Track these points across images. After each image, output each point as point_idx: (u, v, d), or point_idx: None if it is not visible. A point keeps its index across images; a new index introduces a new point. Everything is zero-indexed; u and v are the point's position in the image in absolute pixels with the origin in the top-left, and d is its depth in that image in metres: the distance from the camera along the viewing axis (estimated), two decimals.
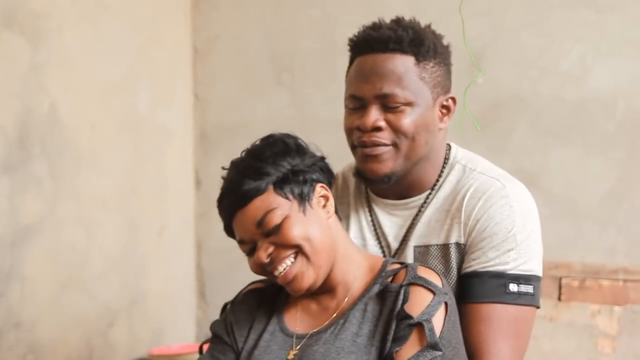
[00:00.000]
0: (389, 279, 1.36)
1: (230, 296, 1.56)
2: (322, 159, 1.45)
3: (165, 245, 3.05)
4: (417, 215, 1.51)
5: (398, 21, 1.51)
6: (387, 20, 1.53)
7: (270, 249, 1.33)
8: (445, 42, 1.54)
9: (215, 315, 1.57)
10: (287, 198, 1.35)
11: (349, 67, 1.53)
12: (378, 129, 1.43)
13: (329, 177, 1.44)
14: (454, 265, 1.45)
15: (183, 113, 3.21)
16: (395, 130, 1.43)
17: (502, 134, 2.73)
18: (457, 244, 1.45)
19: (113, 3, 2.75)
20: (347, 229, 1.56)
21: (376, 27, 1.50)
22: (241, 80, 3.18)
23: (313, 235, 1.34)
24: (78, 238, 2.55)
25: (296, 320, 1.40)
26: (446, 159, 1.54)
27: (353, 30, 3.03)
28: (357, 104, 1.47)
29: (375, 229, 1.56)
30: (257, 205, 1.34)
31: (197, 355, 1.82)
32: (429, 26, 1.53)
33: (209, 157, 3.24)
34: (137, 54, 2.89)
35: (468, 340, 1.36)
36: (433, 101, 1.46)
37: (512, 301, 1.39)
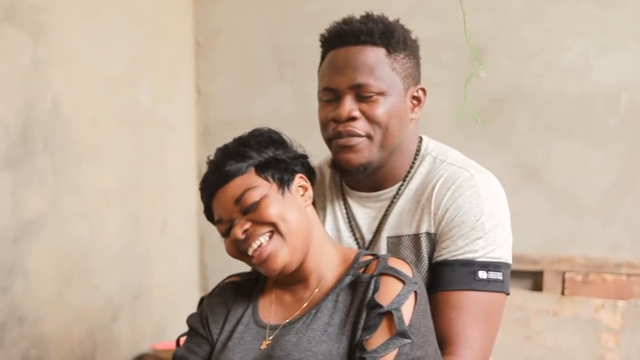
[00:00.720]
0: (361, 270, 1.39)
1: None
2: (305, 156, 1.50)
3: (168, 240, 3.05)
4: (389, 206, 1.55)
5: (368, 16, 1.55)
6: (357, 17, 1.57)
7: (247, 226, 1.37)
8: (413, 36, 1.58)
9: None
10: (267, 180, 1.40)
11: (321, 62, 1.57)
12: (353, 118, 1.47)
13: (309, 174, 1.49)
14: (425, 255, 1.48)
15: (185, 108, 3.21)
16: (370, 119, 1.47)
17: (505, 128, 2.73)
18: (428, 234, 1.49)
19: None
20: (323, 221, 1.59)
21: (347, 21, 1.54)
22: (243, 74, 3.18)
23: (289, 217, 1.38)
24: (81, 233, 2.55)
25: (270, 312, 1.44)
26: (417, 150, 1.58)
27: None
28: (331, 96, 1.51)
29: (349, 221, 1.59)
30: (238, 184, 1.39)
31: None
32: (397, 21, 1.57)
33: (211, 151, 3.23)
34: (139, 48, 2.88)
35: (439, 327, 1.39)
36: (404, 91, 1.51)
37: (481, 288, 1.42)
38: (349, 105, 1.47)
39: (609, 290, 2.58)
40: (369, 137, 1.48)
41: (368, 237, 1.57)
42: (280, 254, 1.37)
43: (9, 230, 2.25)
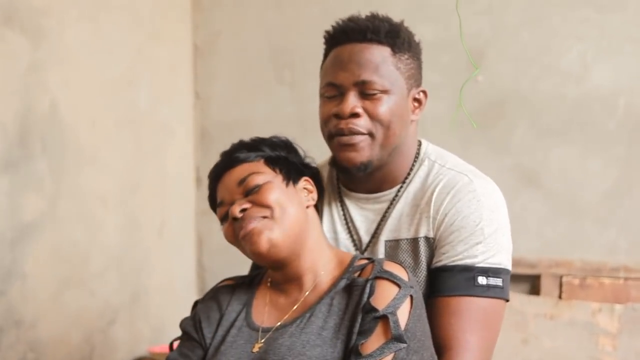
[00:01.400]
0: (356, 274, 1.38)
1: None
2: (316, 169, 1.53)
3: (166, 243, 3.05)
4: (388, 209, 1.54)
5: (374, 15, 1.56)
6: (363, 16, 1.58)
7: (245, 205, 1.39)
8: (416, 39, 1.58)
9: None
10: (274, 171, 1.44)
11: (323, 60, 1.56)
12: (356, 115, 1.47)
13: (317, 185, 1.51)
14: (423, 259, 1.48)
15: (184, 110, 3.21)
16: (372, 117, 1.47)
17: (503, 132, 2.73)
18: (426, 238, 1.48)
19: (113, 1, 2.75)
20: (320, 222, 1.57)
21: (353, 19, 1.55)
22: (242, 77, 3.18)
23: (288, 206, 1.39)
24: (79, 236, 2.55)
25: (263, 315, 1.43)
26: (417, 154, 1.57)
27: None
28: (334, 92, 1.50)
29: (347, 223, 1.59)
30: (245, 168, 1.44)
31: None
32: (402, 22, 1.58)
33: (210, 154, 3.24)
34: (138, 51, 2.88)
35: (438, 333, 1.38)
36: (407, 92, 1.51)
37: (480, 294, 1.41)
38: (352, 102, 1.47)
39: (606, 294, 2.58)
40: (370, 135, 1.47)
41: (366, 239, 1.56)
42: (269, 234, 1.36)
43: (7, 232, 2.25)
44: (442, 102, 2.78)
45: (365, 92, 1.47)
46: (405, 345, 1.26)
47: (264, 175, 1.42)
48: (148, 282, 2.93)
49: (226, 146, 3.37)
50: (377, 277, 1.33)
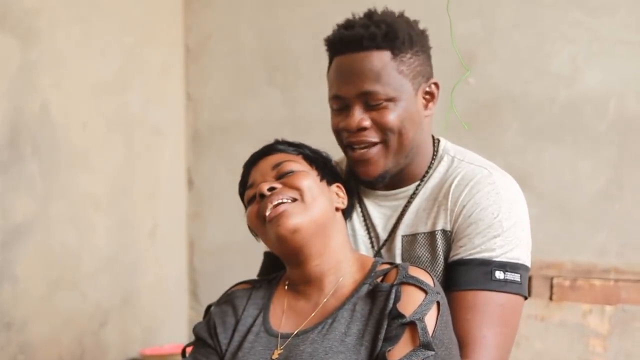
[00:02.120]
0: (379, 279, 1.35)
1: None
2: (351, 187, 1.53)
3: (157, 245, 3.04)
4: (406, 205, 1.52)
5: (370, 16, 1.50)
6: (361, 14, 1.53)
7: (275, 184, 1.37)
8: (421, 27, 1.55)
9: None
10: (310, 166, 1.44)
11: (329, 66, 1.54)
12: (363, 129, 1.45)
13: (349, 197, 1.49)
14: (440, 253, 1.45)
15: (175, 113, 3.21)
16: (381, 127, 1.44)
17: (494, 134, 2.74)
18: (444, 231, 1.46)
19: (105, 2, 2.74)
20: (346, 228, 1.54)
21: (349, 25, 1.49)
22: (233, 79, 3.17)
23: (318, 196, 1.38)
24: (69, 238, 2.55)
25: (281, 320, 1.39)
26: (435, 151, 1.55)
27: None
28: (340, 104, 1.48)
29: (365, 220, 1.56)
30: (281, 156, 1.44)
31: None
32: (402, 15, 1.53)
33: (201, 156, 3.24)
34: (129, 53, 2.88)
35: (454, 328, 1.35)
36: (415, 92, 1.47)
37: (498, 289, 1.38)
38: (358, 115, 1.44)
39: (597, 295, 2.59)
40: (383, 142, 1.45)
41: (383, 236, 1.54)
42: (296, 216, 1.33)
43: None
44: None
45: (370, 103, 1.44)
46: (433, 352, 1.23)
47: (299, 165, 1.42)
48: (139, 284, 2.93)
49: (218, 148, 3.39)
50: (402, 283, 1.30)
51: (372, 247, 1.54)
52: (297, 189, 1.36)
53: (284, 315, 1.39)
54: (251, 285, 1.49)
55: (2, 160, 2.26)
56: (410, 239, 1.49)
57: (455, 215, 1.45)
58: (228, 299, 1.47)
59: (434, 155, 1.55)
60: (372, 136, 1.45)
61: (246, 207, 1.44)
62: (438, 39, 2.78)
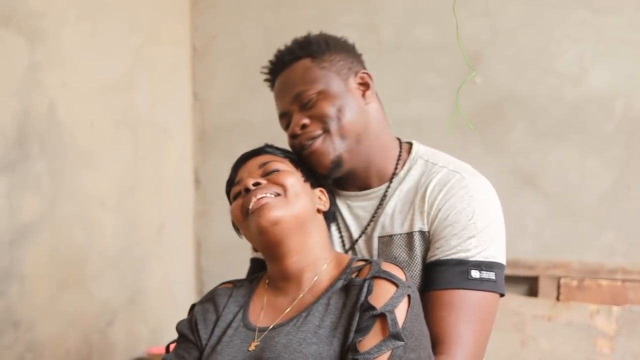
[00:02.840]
0: (354, 274, 1.39)
1: None
2: (334, 191, 1.61)
3: (164, 245, 3.05)
4: (379, 206, 1.57)
5: (293, 40, 1.63)
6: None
7: (260, 180, 1.44)
8: (338, 35, 1.65)
9: None
10: (296, 168, 1.51)
11: None
12: (304, 126, 1.53)
13: (331, 202, 1.56)
14: (418, 254, 1.49)
15: (182, 112, 3.21)
16: (319, 118, 1.53)
17: (500, 134, 2.74)
18: (421, 232, 1.50)
19: (111, 3, 2.75)
20: (327, 230, 1.58)
21: (275, 55, 1.64)
22: (240, 79, 3.18)
23: (301, 194, 1.44)
24: (77, 237, 2.55)
25: (260, 315, 1.44)
26: (401, 152, 1.61)
27: (351, 30, 3.03)
28: (285, 121, 1.59)
29: (336, 220, 1.61)
30: (269, 157, 1.51)
31: None
32: (319, 32, 1.66)
33: (208, 156, 3.24)
34: (136, 53, 2.89)
35: (431, 326, 1.39)
36: (344, 82, 1.56)
37: (474, 287, 1.43)
38: (297, 118, 1.54)
39: (604, 295, 2.58)
40: (325, 131, 1.53)
41: (356, 236, 1.59)
42: (278, 209, 1.39)
43: (5, 234, 2.25)
44: (440, 104, 2.79)
45: (304, 102, 1.54)
46: (402, 343, 1.27)
47: (286, 166, 1.49)
48: (146, 283, 2.93)
49: (225, 148, 3.39)
50: (374, 277, 1.34)
51: (344, 246, 1.60)
52: (281, 185, 1.43)
53: (263, 310, 1.45)
54: (233, 284, 1.55)
55: (10, 160, 2.27)
56: (387, 240, 1.54)
57: (432, 217, 1.49)
58: (210, 297, 1.53)
59: (400, 155, 1.60)
60: (315, 130, 1.53)
61: (231, 204, 1.51)
62: (445, 40, 2.81)
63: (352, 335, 1.30)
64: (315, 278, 1.42)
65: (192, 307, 1.55)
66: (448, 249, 1.45)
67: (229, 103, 3.22)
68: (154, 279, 2.98)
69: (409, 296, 1.32)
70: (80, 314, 2.57)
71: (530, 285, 2.69)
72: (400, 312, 1.30)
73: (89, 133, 2.61)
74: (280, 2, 3.12)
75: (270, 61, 1.64)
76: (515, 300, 2.62)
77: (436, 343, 1.39)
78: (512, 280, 2.62)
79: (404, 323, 1.29)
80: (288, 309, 1.41)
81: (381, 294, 1.32)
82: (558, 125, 2.68)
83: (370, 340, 1.28)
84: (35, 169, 2.36)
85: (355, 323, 1.31)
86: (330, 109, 1.52)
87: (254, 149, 1.56)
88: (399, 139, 1.65)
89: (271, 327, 1.39)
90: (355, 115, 1.55)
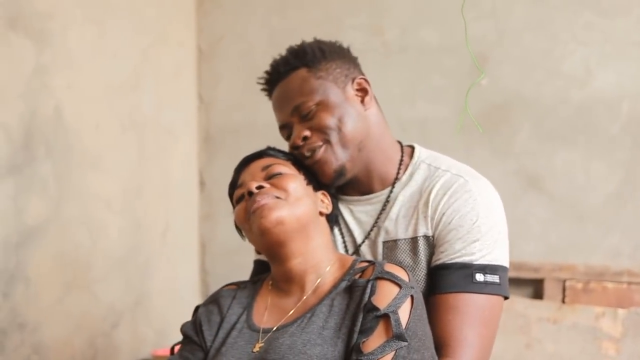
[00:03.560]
0: (357, 276, 1.40)
1: None
2: (335, 198, 1.61)
3: (169, 247, 3.05)
4: (382, 211, 1.57)
5: (288, 49, 1.64)
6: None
7: (264, 184, 1.45)
8: (334, 40, 1.65)
9: None
10: (298, 171, 1.52)
11: None
12: (305, 138, 1.54)
13: (333, 204, 1.56)
14: (422, 258, 1.50)
15: (187, 114, 3.22)
16: (320, 129, 1.53)
17: (506, 136, 2.73)
18: (426, 237, 1.51)
19: (118, 4, 2.76)
20: (330, 232, 1.59)
21: (270, 64, 1.64)
22: (246, 81, 3.17)
23: (303, 198, 1.45)
24: (82, 239, 2.56)
25: (263, 317, 1.45)
26: (403, 156, 1.61)
27: (357, 31, 3.04)
28: (286, 132, 1.60)
29: (339, 226, 1.62)
30: (271, 160, 1.52)
31: None
32: (314, 40, 1.65)
33: (213, 158, 3.25)
34: (142, 55, 2.89)
35: (436, 330, 1.40)
36: (341, 91, 1.56)
37: (478, 290, 1.44)
38: (298, 130, 1.55)
39: (610, 298, 2.58)
40: (327, 142, 1.53)
41: (359, 240, 1.59)
42: (279, 211, 1.40)
43: (11, 236, 2.25)
44: (446, 106, 2.79)
45: (303, 114, 1.54)
46: (406, 343, 1.27)
47: (288, 169, 1.50)
48: (151, 285, 2.94)
49: (230, 150, 3.38)
50: (378, 278, 1.35)
51: (347, 250, 1.61)
52: (284, 189, 1.44)
53: (267, 312, 1.45)
54: (237, 286, 1.56)
55: (16, 162, 2.27)
56: (391, 245, 1.54)
57: (436, 222, 1.50)
58: (214, 299, 1.54)
59: (401, 159, 1.60)
60: (316, 141, 1.54)
61: (234, 207, 1.52)
62: (451, 42, 2.80)
63: (356, 336, 1.31)
64: (319, 280, 1.43)
65: (196, 308, 1.56)
66: (452, 253, 1.46)
67: (235, 105, 3.22)
68: (159, 280, 2.98)
69: (412, 297, 1.33)
70: (85, 316, 2.57)
71: (536, 288, 2.68)
72: (404, 313, 1.31)
73: (95, 135, 2.62)
74: (286, 4, 3.13)
75: (267, 72, 1.64)
76: (520, 302, 2.62)
77: (441, 346, 1.39)
78: (517, 282, 2.62)
79: (407, 323, 1.30)
80: (292, 311, 1.42)
81: (384, 295, 1.32)
82: (564, 127, 2.68)
83: (374, 341, 1.28)
84: (41, 171, 2.37)
85: (359, 324, 1.32)
86: (330, 120, 1.53)
87: (256, 152, 1.57)
88: (399, 142, 1.65)
89: (275, 328, 1.40)
90: (356, 123, 1.55)
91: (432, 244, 1.50)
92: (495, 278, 1.45)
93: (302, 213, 1.42)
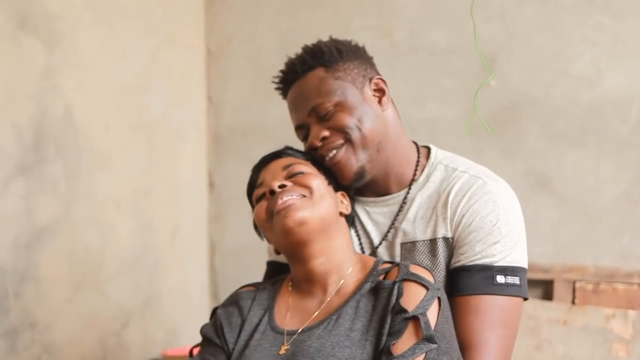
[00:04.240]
0: (381, 277, 1.40)
1: None
2: (354, 198, 1.60)
3: (178, 247, 3.06)
4: (399, 212, 1.56)
5: (303, 48, 1.62)
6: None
7: (286, 183, 1.44)
8: (349, 39, 1.63)
9: None
10: (319, 171, 1.51)
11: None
12: (325, 138, 1.52)
13: (351, 205, 1.55)
14: (441, 260, 1.50)
15: (196, 115, 3.22)
16: (339, 130, 1.52)
17: (516, 137, 2.73)
18: (445, 239, 1.50)
19: (127, 6, 2.77)
20: (349, 233, 1.59)
21: (286, 64, 1.62)
22: (254, 82, 3.19)
23: (326, 196, 1.44)
24: (92, 239, 2.57)
25: (286, 318, 1.44)
26: (419, 157, 1.60)
27: (365, 32, 3.04)
28: (303, 133, 1.58)
29: (356, 227, 1.61)
30: (292, 159, 1.51)
31: None
32: (330, 37, 1.64)
33: (222, 159, 3.25)
34: (151, 56, 2.90)
35: (458, 332, 1.39)
36: (359, 91, 1.55)
37: (499, 292, 1.43)
38: (316, 130, 1.53)
39: (620, 299, 2.57)
40: (347, 141, 1.52)
41: (376, 242, 1.58)
42: (304, 210, 1.39)
43: (21, 236, 2.27)
44: (455, 107, 2.78)
45: (321, 114, 1.52)
46: (435, 345, 1.27)
47: (309, 168, 1.49)
48: (161, 285, 2.94)
49: (239, 151, 3.39)
50: (404, 280, 1.34)
51: (363, 252, 1.60)
52: (307, 187, 1.43)
53: (289, 313, 1.44)
54: (255, 287, 1.55)
55: (27, 163, 2.28)
56: (410, 247, 1.54)
57: (455, 224, 1.49)
58: (233, 300, 1.52)
59: (418, 160, 1.60)
60: (335, 141, 1.52)
61: (254, 207, 1.50)
62: (460, 43, 2.80)
63: (384, 338, 1.30)
64: (342, 281, 1.42)
65: (214, 310, 1.54)
66: (473, 255, 1.45)
67: (244, 106, 3.22)
68: (168, 281, 2.99)
69: (439, 298, 1.33)
70: (95, 316, 2.58)
71: (546, 289, 2.68)
72: (432, 315, 1.31)
73: (104, 136, 2.63)
74: (295, 5, 3.13)
75: (282, 71, 1.62)
76: (530, 303, 2.61)
77: (463, 349, 1.39)
78: (527, 283, 2.61)
79: (435, 325, 1.30)
80: (316, 312, 1.40)
81: (412, 297, 1.32)
82: (573, 128, 2.67)
83: (404, 343, 1.28)
84: (52, 171, 2.38)
85: (387, 326, 1.31)
86: (349, 120, 1.51)
87: (275, 151, 1.56)
88: (415, 143, 1.64)
89: (300, 330, 1.39)
90: (374, 124, 1.53)
91: (452, 246, 1.49)
92: (515, 280, 1.45)
93: (325, 213, 1.42)
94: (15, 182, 2.24)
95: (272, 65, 3.17)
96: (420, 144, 1.66)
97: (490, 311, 1.42)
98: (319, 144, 1.52)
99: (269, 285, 1.53)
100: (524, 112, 2.73)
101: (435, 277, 1.46)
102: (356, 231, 1.61)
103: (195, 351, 1.53)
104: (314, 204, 1.40)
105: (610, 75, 2.62)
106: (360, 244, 1.60)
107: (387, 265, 1.42)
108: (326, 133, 1.52)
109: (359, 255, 1.49)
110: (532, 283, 2.65)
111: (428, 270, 1.40)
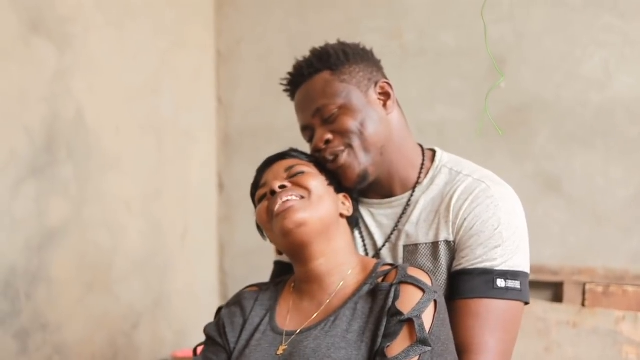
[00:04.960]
0: (380, 279, 1.40)
1: None
2: (357, 200, 1.60)
3: (188, 248, 3.07)
4: (403, 214, 1.57)
5: (311, 51, 1.63)
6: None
7: (286, 183, 1.46)
8: (357, 42, 1.64)
9: None
10: (320, 172, 1.52)
11: None
12: (328, 141, 1.53)
13: (354, 207, 1.56)
14: (443, 263, 1.50)
15: (206, 116, 3.24)
16: (342, 133, 1.53)
17: (525, 139, 2.72)
18: (447, 242, 1.50)
19: (138, 8, 2.78)
20: (351, 234, 1.59)
21: (294, 66, 1.63)
22: (264, 84, 3.20)
23: (325, 197, 1.45)
24: (103, 240, 2.58)
25: (286, 319, 1.45)
26: (424, 160, 1.61)
27: (375, 34, 3.04)
28: (308, 134, 1.59)
29: (360, 229, 1.62)
30: (294, 161, 1.53)
31: None
32: (338, 40, 1.65)
33: (232, 160, 3.26)
34: (161, 58, 2.91)
35: (457, 335, 1.40)
36: (364, 94, 1.56)
37: (499, 296, 1.43)
38: (320, 133, 1.54)
39: (630, 302, 2.56)
40: (349, 147, 1.53)
41: (380, 243, 1.59)
42: (302, 212, 1.40)
43: (33, 237, 2.28)
44: (464, 109, 2.78)
45: (325, 117, 1.54)
46: (430, 348, 1.28)
47: (310, 169, 1.51)
48: (171, 286, 2.96)
49: (248, 152, 3.39)
50: (401, 282, 1.35)
51: (367, 254, 1.60)
52: (306, 187, 1.44)
53: (289, 314, 1.46)
54: (259, 288, 1.56)
55: (38, 164, 2.30)
56: (412, 249, 1.54)
57: (457, 227, 1.49)
58: (236, 300, 1.54)
59: (423, 163, 1.60)
60: (339, 144, 1.53)
61: (256, 207, 1.52)
62: (470, 44, 2.80)
63: (379, 340, 1.31)
64: (342, 283, 1.43)
65: (219, 310, 1.56)
66: (474, 258, 1.46)
67: (253, 107, 3.23)
68: (178, 282, 3.00)
69: (435, 301, 1.33)
70: (106, 317, 2.59)
71: (555, 291, 2.67)
72: (427, 317, 1.31)
73: (115, 137, 2.64)
74: (304, 6, 3.14)
75: (290, 73, 1.63)
76: (539, 306, 2.60)
77: (462, 352, 1.39)
78: (536, 285, 2.61)
79: (430, 328, 1.30)
80: (315, 314, 1.42)
81: (408, 299, 1.32)
82: (583, 130, 2.67)
83: (398, 345, 1.29)
84: (63, 173, 2.39)
85: (382, 328, 1.32)
86: (352, 124, 1.52)
87: (279, 153, 1.57)
88: (421, 146, 1.65)
89: (298, 331, 1.40)
90: (378, 128, 1.54)
91: (453, 249, 1.50)
92: (516, 284, 1.45)
93: (324, 214, 1.43)
94: (27, 184, 2.26)
95: (281, 66, 3.17)
96: (427, 146, 1.66)
97: (490, 315, 1.42)
98: (322, 146, 1.54)
99: (272, 286, 1.55)
100: (533, 113, 2.72)
101: (437, 280, 1.47)
102: (360, 233, 1.61)
103: (199, 350, 1.55)
104: (312, 205, 1.42)
105: (619, 77, 2.62)
106: (365, 245, 1.61)
107: (387, 268, 1.43)
108: (329, 136, 1.53)
109: (360, 257, 1.50)
110: (542, 285, 2.65)
111: (426, 272, 1.40)
